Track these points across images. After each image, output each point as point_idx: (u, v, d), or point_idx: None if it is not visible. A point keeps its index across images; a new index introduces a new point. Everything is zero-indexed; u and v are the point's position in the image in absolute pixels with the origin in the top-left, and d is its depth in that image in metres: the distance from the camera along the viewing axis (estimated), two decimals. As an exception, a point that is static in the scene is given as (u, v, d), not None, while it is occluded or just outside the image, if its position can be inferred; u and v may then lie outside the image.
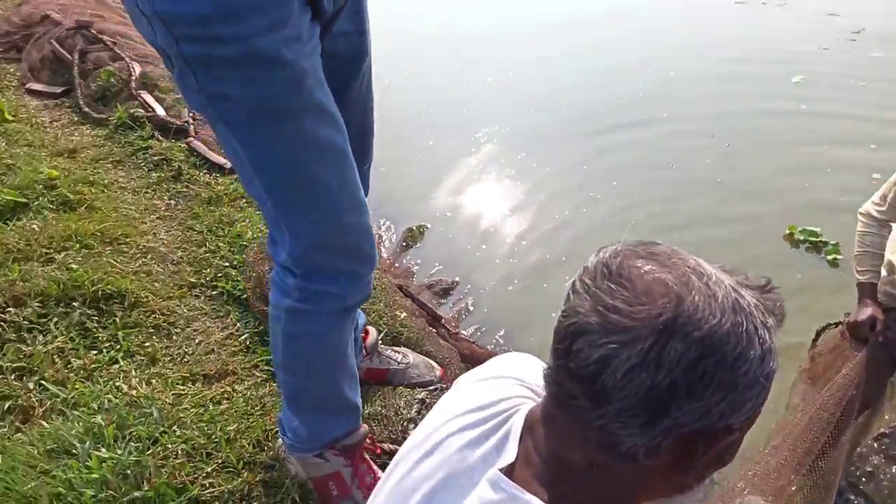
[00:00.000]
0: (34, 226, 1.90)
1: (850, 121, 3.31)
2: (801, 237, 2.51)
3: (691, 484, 0.58)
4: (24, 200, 2.00)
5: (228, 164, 2.26)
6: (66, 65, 2.78)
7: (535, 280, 2.38)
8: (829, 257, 2.42)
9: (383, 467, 1.27)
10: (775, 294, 0.55)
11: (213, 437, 1.36)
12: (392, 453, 1.18)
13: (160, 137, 2.38)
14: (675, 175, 2.96)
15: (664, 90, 3.64)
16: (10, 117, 2.44)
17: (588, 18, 4.67)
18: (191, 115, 2.46)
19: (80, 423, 1.34)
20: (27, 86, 2.77)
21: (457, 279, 2.38)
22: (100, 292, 1.67)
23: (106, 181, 2.18)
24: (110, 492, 1.21)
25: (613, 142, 3.16)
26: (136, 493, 1.21)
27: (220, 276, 1.83)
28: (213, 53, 0.88)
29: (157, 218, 2.08)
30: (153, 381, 1.50)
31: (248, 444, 1.36)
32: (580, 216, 2.67)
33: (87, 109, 2.57)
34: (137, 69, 2.65)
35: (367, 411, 1.47)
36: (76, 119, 2.58)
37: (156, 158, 2.29)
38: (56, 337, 1.56)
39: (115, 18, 3.37)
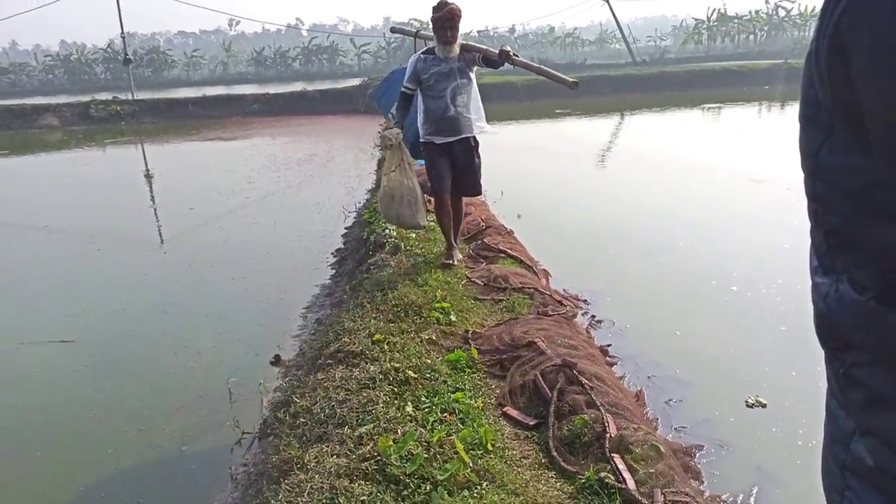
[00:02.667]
0: None
1: None
2: None
3: None
4: None
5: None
6: (543, 398, 2.94)
7: None
8: None
9: None
10: None
11: None
12: None
13: (629, 518, 2.21)
14: None
15: None
16: (490, 448, 2.58)
17: None
18: (664, 498, 2.25)
19: None
20: (505, 409, 2.98)
21: None
22: None
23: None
24: None
25: None
26: None
27: None
28: None
29: None
30: None
31: None
32: None
33: (555, 454, 2.59)
34: (612, 426, 2.61)
35: None
36: (543, 461, 2.61)
37: (622, 546, 2.11)
38: None
39: (585, 349, 3.57)
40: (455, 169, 4.64)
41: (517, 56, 4.40)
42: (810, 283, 0.78)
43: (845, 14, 0.59)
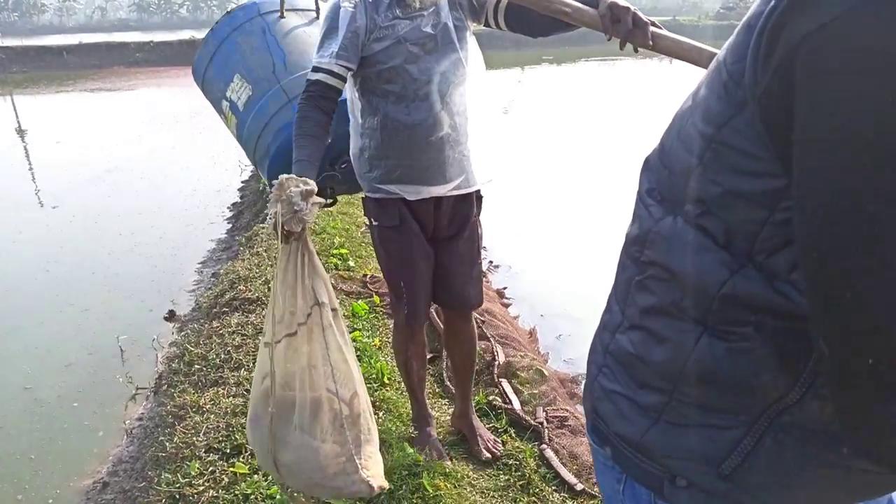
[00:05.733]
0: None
1: None
2: None
3: None
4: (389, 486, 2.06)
5: (580, 486, 2.13)
6: (437, 333, 3.06)
7: None
8: None
9: None
10: None
11: None
12: None
13: (513, 435, 2.38)
14: None
15: None
16: (386, 381, 2.68)
17: None
18: (545, 415, 2.44)
19: None
20: (401, 346, 3.08)
21: None
22: None
23: (459, 475, 2.19)
24: None
25: None
26: None
27: None
28: None
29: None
30: None
31: None
32: None
33: (448, 383, 2.73)
34: (502, 355, 2.77)
35: None
36: (437, 390, 2.75)
37: (507, 460, 2.27)
38: None
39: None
40: (438, 257, 2.15)
41: (660, 28, 1.56)
42: (637, 198, 0.84)
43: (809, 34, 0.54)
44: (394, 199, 2.00)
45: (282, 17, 2.31)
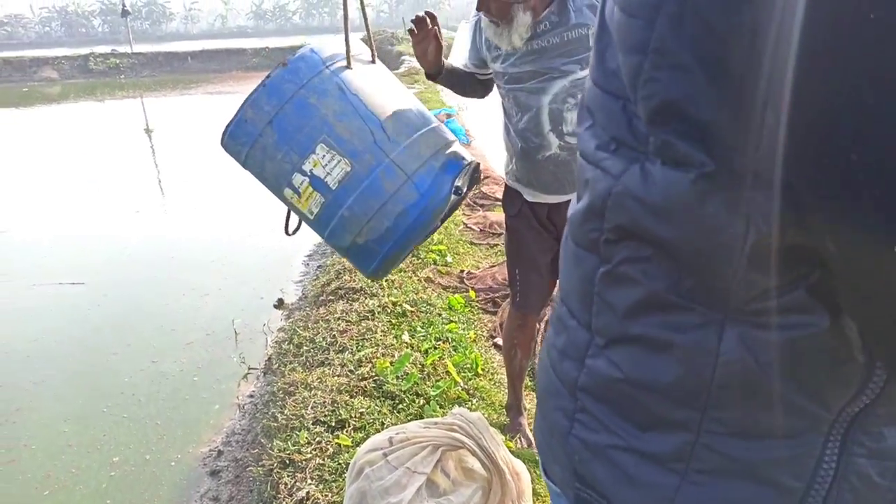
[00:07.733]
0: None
1: None
2: None
3: None
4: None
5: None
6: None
7: None
8: None
9: None
10: None
11: None
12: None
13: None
14: None
15: None
16: (480, 371, 2.78)
17: None
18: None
19: None
20: (495, 340, 3.18)
21: None
22: None
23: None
24: None
25: None
26: None
27: None
28: None
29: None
30: None
31: None
32: None
33: (540, 378, 2.80)
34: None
35: None
36: (530, 384, 2.82)
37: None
38: None
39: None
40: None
41: None
42: (581, 166, 0.60)
43: None
44: (518, 192, 2.11)
45: (348, 66, 1.83)
